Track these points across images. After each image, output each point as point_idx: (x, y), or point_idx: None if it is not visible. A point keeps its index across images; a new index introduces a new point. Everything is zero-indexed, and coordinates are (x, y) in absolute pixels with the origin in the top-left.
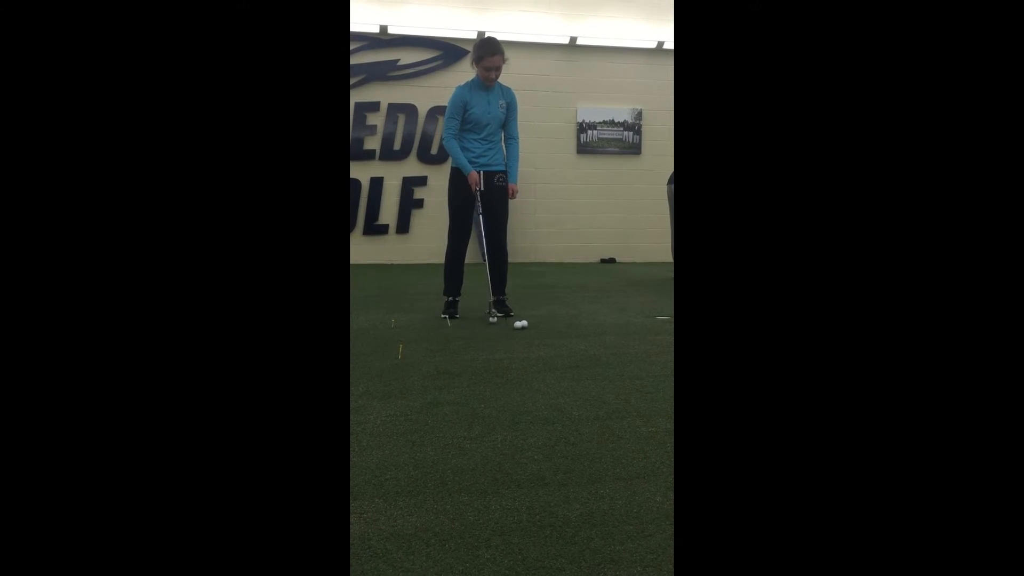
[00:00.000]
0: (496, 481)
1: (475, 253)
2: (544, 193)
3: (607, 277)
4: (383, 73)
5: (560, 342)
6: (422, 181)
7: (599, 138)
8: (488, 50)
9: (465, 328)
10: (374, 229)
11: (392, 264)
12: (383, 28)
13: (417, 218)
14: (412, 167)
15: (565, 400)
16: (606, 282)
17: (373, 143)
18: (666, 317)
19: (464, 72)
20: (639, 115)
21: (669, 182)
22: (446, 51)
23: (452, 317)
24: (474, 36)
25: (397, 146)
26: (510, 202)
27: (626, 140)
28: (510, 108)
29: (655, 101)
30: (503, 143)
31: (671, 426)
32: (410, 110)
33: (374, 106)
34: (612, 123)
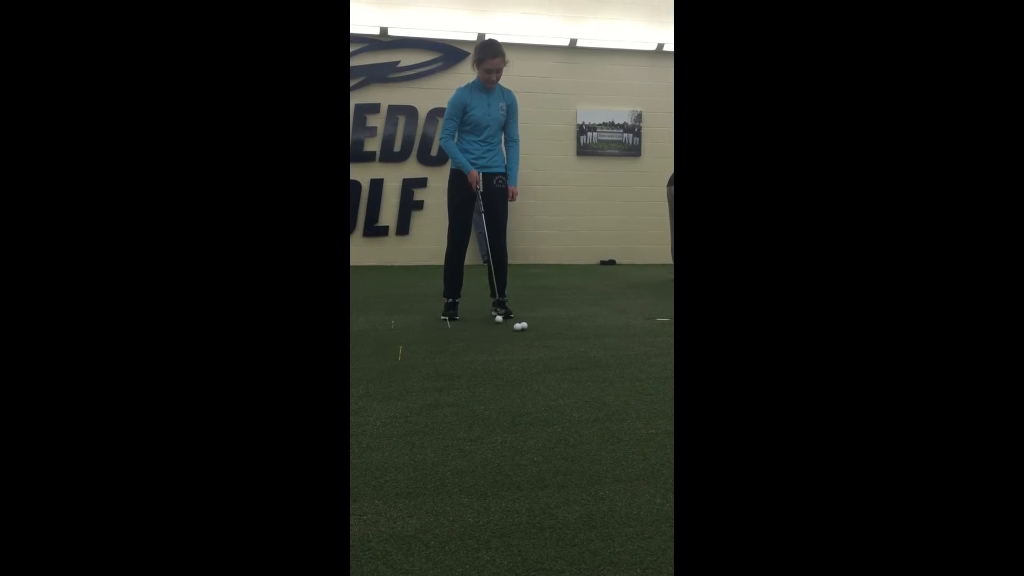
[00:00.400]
0: (496, 483)
1: (475, 255)
2: (544, 195)
3: (607, 279)
4: (383, 75)
5: (560, 344)
6: (422, 183)
7: (599, 140)
8: (488, 52)
9: (465, 330)
10: (374, 231)
11: (392, 266)
12: (383, 30)
13: (417, 220)
14: (412, 169)
15: (565, 402)
16: (606, 284)
17: (373, 145)
18: (666, 319)
19: (464, 74)
20: (639, 117)
21: (669, 184)
22: (446, 53)
23: (452, 319)
24: (474, 38)
25: (397, 148)
26: (510, 204)
27: (626, 142)
28: (510, 110)
29: (655, 103)
30: (503, 145)
31: (671, 428)
32: (410, 112)
33: (374, 108)
34: (612, 125)
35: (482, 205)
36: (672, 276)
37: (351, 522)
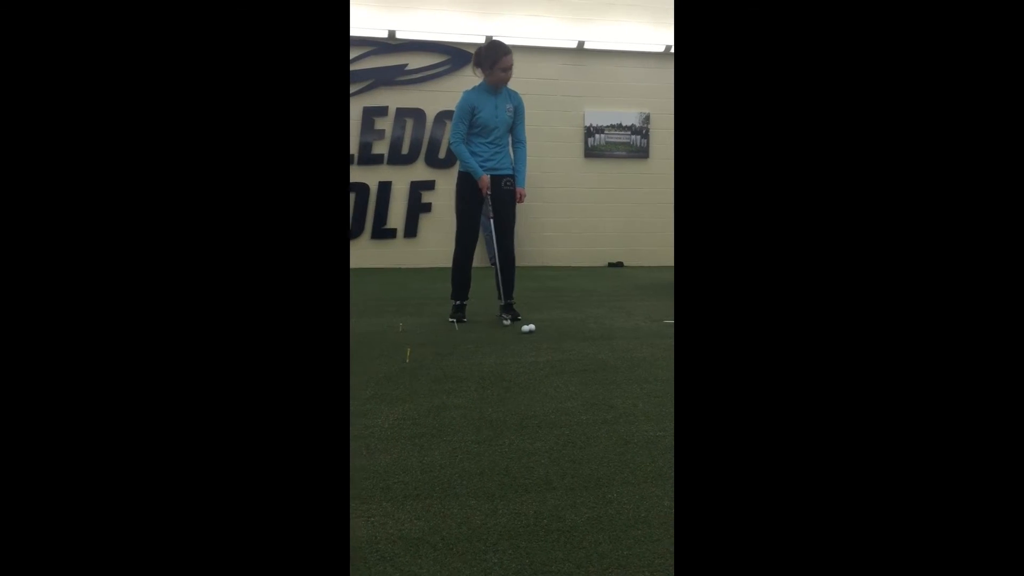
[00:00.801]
0: (503, 485)
1: (483, 257)
2: (551, 197)
3: (615, 281)
4: (391, 78)
5: (568, 346)
6: (430, 185)
7: (606, 142)
8: (500, 51)
9: (473, 332)
10: (382, 233)
11: (400, 268)
12: (391, 33)
13: (425, 222)
14: (420, 171)
15: (573, 404)
16: (613, 286)
17: (381, 147)
18: (673, 321)
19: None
20: (646, 119)
21: None
22: (454, 56)
23: (460, 321)
24: (481, 40)
25: (405, 150)
26: (517, 206)
27: (633, 144)
28: (517, 112)
29: (662, 105)
30: (511, 147)
31: None
32: (418, 115)
33: (382, 111)
34: (619, 127)
35: (490, 208)
36: None
37: (359, 524)
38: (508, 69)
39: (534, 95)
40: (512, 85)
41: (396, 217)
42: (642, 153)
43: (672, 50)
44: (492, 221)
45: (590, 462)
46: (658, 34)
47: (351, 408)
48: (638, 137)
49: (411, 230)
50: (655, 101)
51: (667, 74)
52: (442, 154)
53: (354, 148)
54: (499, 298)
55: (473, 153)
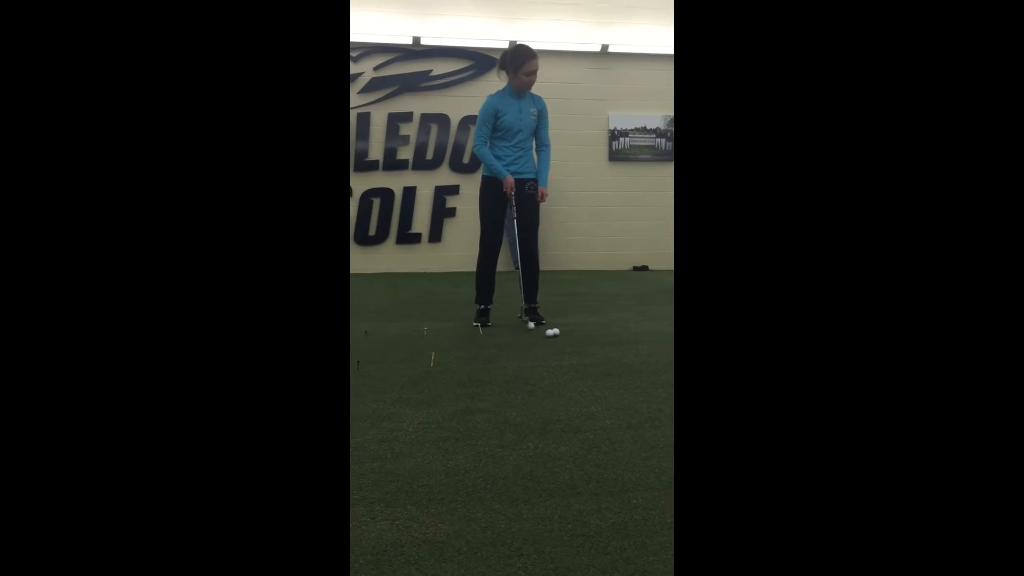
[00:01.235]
0: (528, 489)
1: (507, 261)
2: (576, 201)
3: (640, 285)
4: (416, 84)
5: (592, 350)
6: (454, 190)
7: (631, 145)
8: (525, 56)
9: (497, 336)
10: (407, 238)
11: (425, 272)
12: (416, 39)
13: (449, 227)
14: (444, 176)
15: (597, 408)
16: (639, 290)
17: (406, 153)
18: None
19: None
20: (671, 122)
21: None
22: (478, 61)
23: (484, 325)
24: (505, 45)
25: (430, 156)
26: (541, 209)
27: (658, 147)
28: (541, 116)
29: None
30: (534, 151)
31: None
32: (442, 120)
33: (407, 116)
34: (644, 130)
35: (514, 211)
36: None
37: (384, 527)
38: (532, 74)
39: (558, 99)
40: (536, 89)
41: (421, 222)
42: (667, 156)
43: None
44: (516, 225)
45: (615, 467)
46: None
47: (376, 411)
48: (663, 140)
49: (436, 235)
50: None
51: None
52: (466, 159)
53: (379, 154)
54: (523, 302)
55: (497, 157)
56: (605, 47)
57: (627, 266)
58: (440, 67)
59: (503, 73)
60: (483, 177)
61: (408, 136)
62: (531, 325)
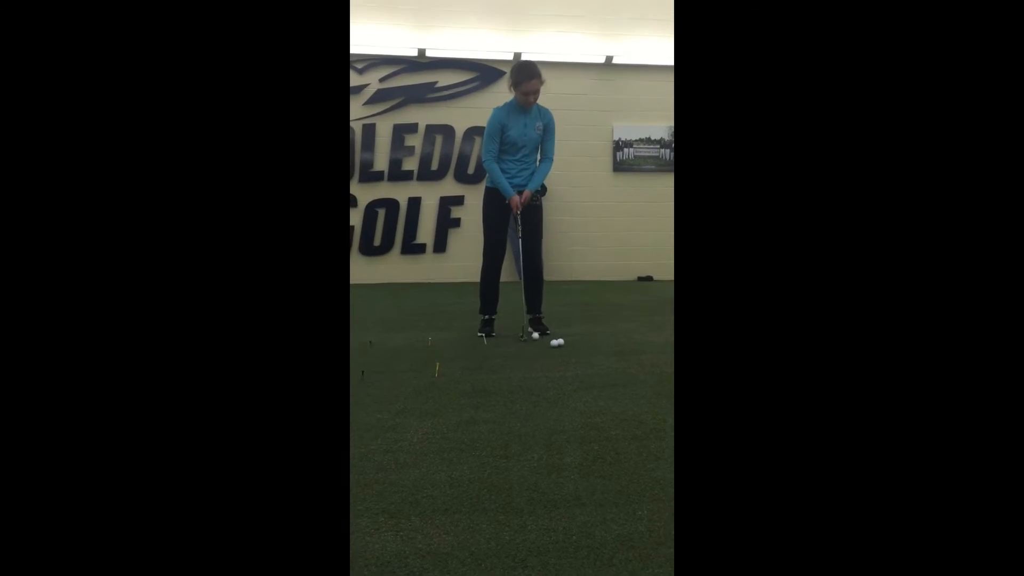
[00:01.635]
0: (532, 501)
1: (511, 271)
2: (580, 211)
3: (644, 295)
4: (421, 95)
5: (597, 360)
6: (459, 200)
7: (635, 156)
8: (525, 75)
9: (501, 346)
10: (412, 248)
11: (430, 283)
12: (421, 51)
13: (454, 237)
14: (449, 187)
15: (602, 419)
16: (643, 300)
17: (411, 164)
18: None
19: (500, 93)
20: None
21: None
22: (483, 73)
23: (488, 335)
24: (510, 58)
25: (435, 166)
26: (545, 220)
27: (662, 158)
28: (547, 130)
29: None
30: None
31: None
32: (447, 131)
33: (412, 127)
34: (648, 141)
35: (518, 221)
36: None
37: (388, 538)
38: (530, 94)
39: (563, 110)
40: (541, 100)
41: (426, 232)
42: (671, 167)
43: None
44: (520, 235)
45: (620, 478)
46: None
47: (380, 422)
48: (666, 151)
49: (440, 245)
50: None
51: None
52: (471, 170)
53: (384, 164)
54: (527, 312)
55: (502, 171)
56: (609, 59)
57: (632, 276)
58: (445, 79)
59: (511, 88)
60: (487, 188)
61: (413, 147)
62: (535, 335)
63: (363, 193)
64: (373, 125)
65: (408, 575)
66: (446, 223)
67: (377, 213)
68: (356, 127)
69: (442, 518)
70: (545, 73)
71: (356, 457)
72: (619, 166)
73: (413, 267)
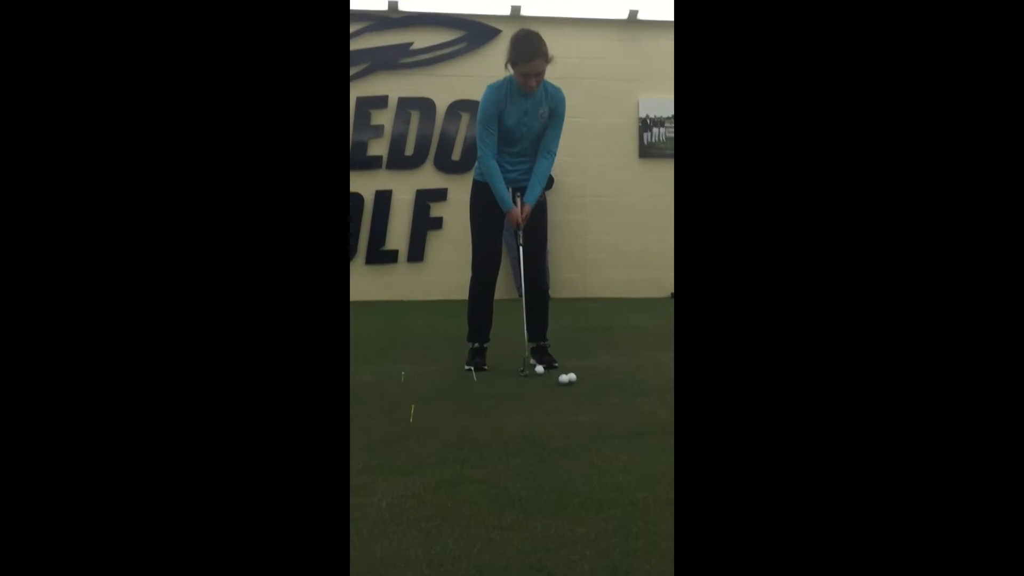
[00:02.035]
0: None
1: (508, 287)
2: (597, 209)
3: None
4: (392, 60)
5: (619, 401)
6: (441, 195)
7: (667, 138)
8: (525, 54)
9: (495, 383)
10: (380, 256)
11: (403, 301)
12: (392, 4)
13: (434, 242)
14: (428, 177)
15: (626, 478)
16: None
17: (379, 148)
18: None
19: (493, 58)
20: None
21: None
22: (471, 32)
23: (479, 369)
24: (506, 12)
25: (409, 151)
26: (552, 220)
27: None
28: (552, 116)
29: None
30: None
31: None
32: (426, 106)
33: (380, 101)
34: None
35: (520, 232)
36: None
37: None
38: (530, 76)
39: (575, 79)
40: (549, 68)
41: (398, 236)
42: None
43: None
44: (519, 241)
45: (650, 555)
46: None
47: None
48: None
49: (416, 252)
50: None
51: None
52: (456, 155)
53: None
54: (529, 340)
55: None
56: (634, 13)
57: (663, 293)
58: (423, 39)
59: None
60: (475, 180)
61: (382, 126)
62: (539, 369)
63: None
64: None
65: None
66: (424, 224)
67: None
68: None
69: None
70: (553, 32)
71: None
72: (647, 151)
73: (381, 281)
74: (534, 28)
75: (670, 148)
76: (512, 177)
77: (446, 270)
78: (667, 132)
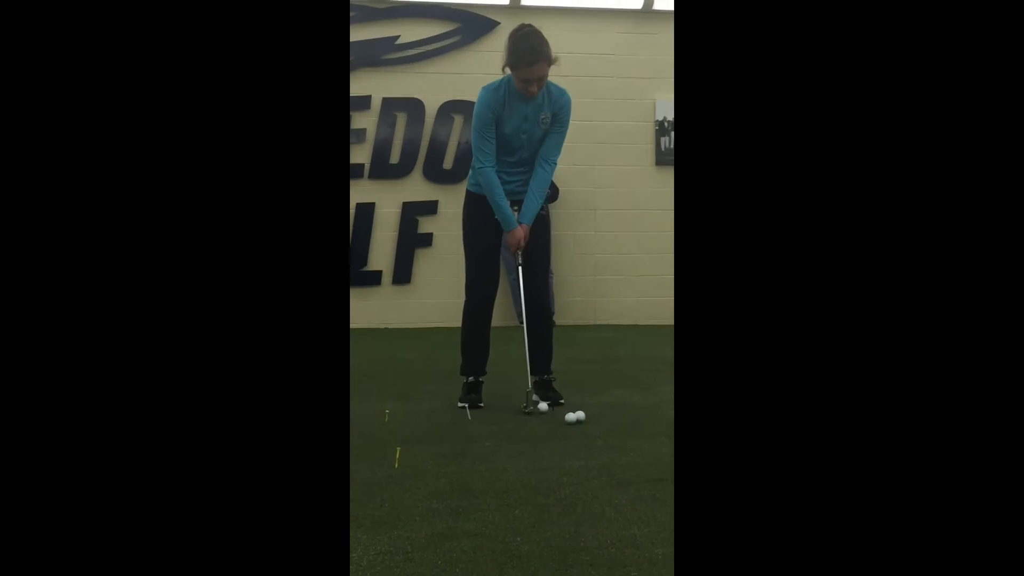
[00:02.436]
0: None
1: (507, 313)
2: (609, 223)
3: None
4: (376, 56)
5: (633, 444)
6: (430, 208)
7: None
8: (525, 58)
9: (493, 423)
10: (362, 278)
11: (387, 328)
12: None
13: (423, 262)
14: (416, 188)
15: (642, 532)
16: None
17: (361, 155)
18: None
19: (490, 53)
20: None
21: None
22: (465, 24)
23: (474, 406)
24: (506, 2)
25: (395, 159)
26: (556, 237)
27: None
28: (556, 121)
29: None
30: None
31: None
32: (414, 107)
33: (363, 102)
34: None
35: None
36: None
37: None
38: (530, 81)
39: (584, 78)
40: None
41: (381, 255)
42: None
43: None
44: (519, 261)
45: None
46: None
47: None
48: None
49: (403, 274)
50: None
51: None
52: (448, 163)
53: None
54: (531, 373)
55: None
56: (649, 3)
57: None
58: (411, 32)
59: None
60: (468, 192)
61: (363, 131)
62: (543, 406)
63: None
64: None
65: None
66: (411, 241)
67: None
68: None
69: None
70: (558, 25)
71: None
72: (664, 157)
73: (363, 306)
74: (537, 20)
75: None
76: (510, 189)
77: (436, 293)
78: None
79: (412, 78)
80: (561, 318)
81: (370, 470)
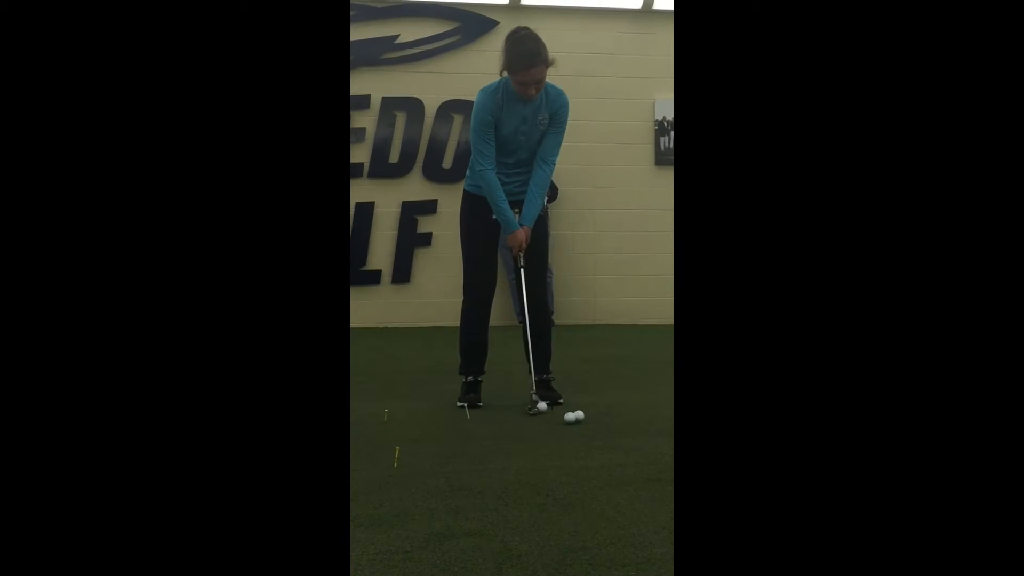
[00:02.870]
0: None
1: (507, 312)
2: (608, 223)
3: None
4: (375, 55)
5: (632, 443)
6: (430, 207)
7: None
8: (522, 61)
9: (492, 422)
10: (361, 278)
11: (386, 328)
12: None
13: (422, 261)
14: (415, 188)
15: (642, 531)
16: None
17: (360, 154)
18: None
19: (490, 53)
20: None
21: None
22: (465, 23)
23: (472, 406)
24: (505, 2)
25: (394, 158)
26: (555, 236)
27: None
28: (554, 121)
29: None
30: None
31: None
32: (413, 107)
33: (362, 102)
34: None
35: (521, 256)
36: None
37: None
38: (529, 84)
39: (583, 77)
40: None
41: (381, 254)
42: None
43: None
44: (518, 262)
45: None
46: None
47: None
48: None
49: (402, 273)
50: None
51: None
52: (447, 162)
53: None
54: (530, 373)
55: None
56: (648, 3)
57: None
58: (411, 31)
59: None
60: (465, 191)
61: (363, 130)
62: (542, 406)
63: None
64: None
65: None
66: (411, 241)
67: None
68: None
69: None
70: (555, 24)
71: None
72: (664, 157)
73: (361, 305)
74: (535, 19)
75: None
76: (509, 190)
77: (435, 292)
78: None
79: (412, 77)
80: (560, 318)
81: (368, 470)
